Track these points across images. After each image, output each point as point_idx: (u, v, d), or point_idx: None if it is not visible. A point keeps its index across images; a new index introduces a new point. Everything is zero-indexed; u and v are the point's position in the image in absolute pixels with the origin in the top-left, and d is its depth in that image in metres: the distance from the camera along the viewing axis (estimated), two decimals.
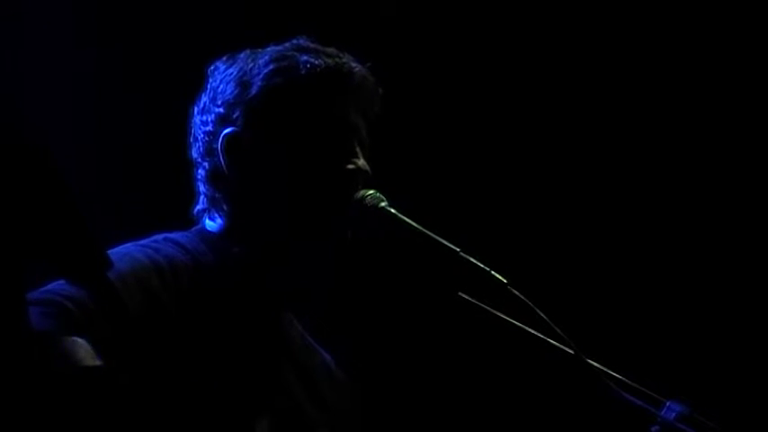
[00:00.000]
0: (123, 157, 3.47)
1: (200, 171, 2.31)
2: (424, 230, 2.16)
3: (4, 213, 1.47)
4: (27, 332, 1.53)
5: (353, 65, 2.30)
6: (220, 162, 2.26)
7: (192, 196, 2.34)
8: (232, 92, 2.27)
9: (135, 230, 2.27)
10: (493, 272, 2.08)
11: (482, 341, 3.20)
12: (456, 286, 2.11)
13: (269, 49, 2.32)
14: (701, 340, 3.83)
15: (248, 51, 2.33)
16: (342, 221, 2.23)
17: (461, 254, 2.11)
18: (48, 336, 1.80)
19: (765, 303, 3.84)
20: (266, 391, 2.21)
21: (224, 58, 2.34)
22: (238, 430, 2.12)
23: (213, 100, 2.29)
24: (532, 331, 2.09)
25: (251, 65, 2.29)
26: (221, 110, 2.27)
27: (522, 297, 2.05)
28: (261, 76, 2.26)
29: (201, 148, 2.30)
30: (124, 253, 2.14)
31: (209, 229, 2.30)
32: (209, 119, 2.29)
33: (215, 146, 2.27)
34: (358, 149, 2.27)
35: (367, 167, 2.26)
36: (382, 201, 2.21)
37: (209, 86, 2.32)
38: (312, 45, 2.32)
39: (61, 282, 1.96)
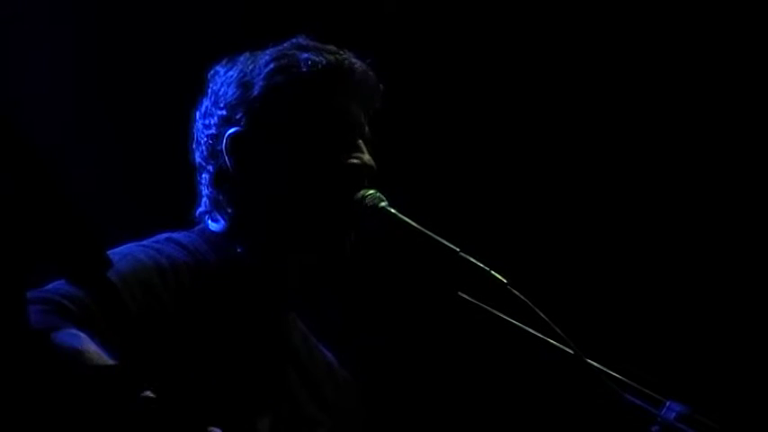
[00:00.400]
0: (124, 158, 3.47)
1: (203, 175, 2.31)
2: (424, 230, 2.16)
3: (4, 214, 1.47)
4: (26, 330, 1.53)
5: (354, 61, 2.31)
6: (225, 163, 2.26)
7: (193, 197, 2.34)
8: (234, 93, 2.27)
9: (137, 231, 2.27)
10: (493, 272, 2.08)
11: (482, 341, 3.20)
12: (456, 286, 2.12)
13: (268, 50, 2.33)
14: (701, 340, 3.83)
15: (247, 53, 2.33)
16: (344, 221, 2.23)
17: (461, 253, 2.11)
18: (46, 334, 1.80)
19: (765, 303, 3.84)
20: (268, 390, 2.22)
21: (223, 62, 2.34)
22: (240, 429, 2.12)
23: (215, 103, 2.30)
24: (532, 331, 2.09)
25: (251, 66, 2.29)
26: (224, 112, 2.28)
27: (522, 297, 2.05)
28: (262, 75, 2.27)
29: (205, 152, 2.30)
30: (126, 253, 2.15)
31: (211, 229, 2.30)
32: (212, 122, 2.29)
33: (219, 148, 2.27)
34: (362, 145, 2.27)
35: (372, 162, 2.26)
36: (382, 200, 2.21)
37: (210, 90, 2.32)
38: (312, 43, 2.32)
39: (61, 281, 1.97)
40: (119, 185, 3.42)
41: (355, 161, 2.24)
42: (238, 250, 2.26)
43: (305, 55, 2.28)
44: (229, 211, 2.28)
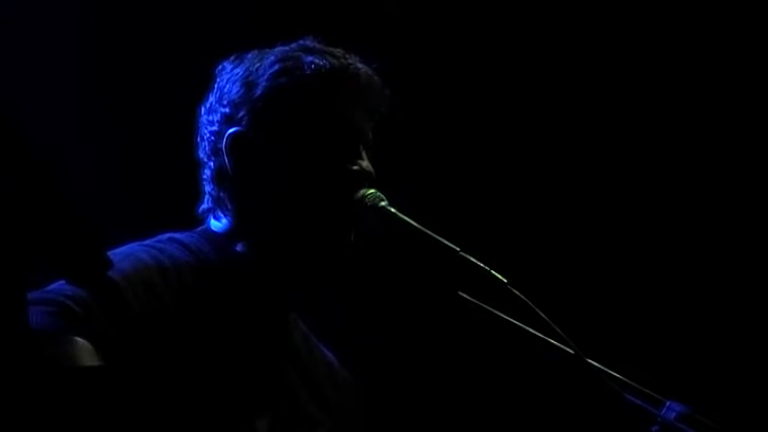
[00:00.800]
0: (124, 158, 3.47)
1: (205, 171, 2.31)
2: (424, 230, 2.16)
3: (4, 214, 1.47)
4: (26, 331, 1.53)
5: (360, 66, 2.30)
6: (225, 162, 2.27)
7: (197, 196, 2.34)
8: (237, 92, 2.28)
9: (137, 231, 2.27)
10: (493, 271, 2.08)
11: (482, 340, 3.20)
12: (456, 285, 2.12)
13: (276, 49, 2.32)
14: (701, 340, 3.83)
15: (256, 51, 2.33)
16: (344, 221, 2.23)
17: (461, 253, 2.11)
18: (47, 335, 1.80)
19: (765, 303, 3.84)
20: (268, 390, 2.22)
21: (231, 58, 2.34)
22: (240, 429, 2.12)
23: (219, 100, 2.30)
24: (532, 331, 2.09)
25: (257, 65, 2.29)
26: (227, 110, 2.28)
27: (522, 297, 2.05)
28: (266, 76, 2.27)
29: (207, 148, 2.30)
30: (128, 253, 2.15)
31: (213, 229, 2.30)
32: (215, 118, 2.29)
33: (220, 145, 2.27)
34: (362, 151, 2.27)
35: (371, 169, 2.26)
36: (382, 200, 2.21)
37: (216, 86, 2.33)
38: (318, 46, 2.32)
39: (62, 282, 1.97)
40: (119, 185, 3.42)
41: (354, 167, 2.24)
42: (239, 249, 2.26)
43: (310, 58, 2.27)
44: (231, 208, 2.28)
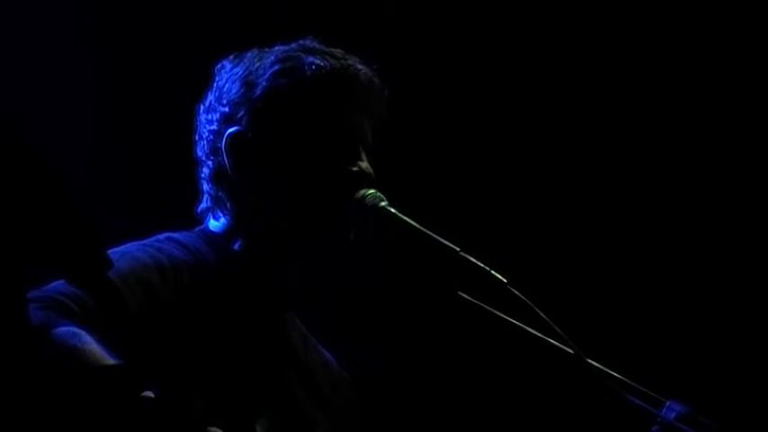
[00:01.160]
0: (123, 157, 3.47)
1: (204, 170, 2.31)
2: (424, 230, 2.15)
3: (4, 214, 1.47)
4: (26, 331, 1.53)
5: (360, 67, 2.30)
6: (224, 161, 2.27)
7: (195, 195, 2.34)
8: (237, 91, 2.27)
9: (137, 230, 2.27)
10: (493, 271, 2.08)
11: (482, 341, 3.20)
12: (456, 285, 2.11)
13: (275, 48, 2.32)
14: (701, 340, 3.83)
15: (255, 50, 2.33)
16: (343, 221, 2.23)
17: (461, 253, 2.11)
18: (45, 329, 1.80)
19: (765, 303, 3.84)
20: (266, 389, 2.22)
21: (231, 57, 2.34)
22: (238, 429, 2.12)
23: (219, 99, 2.30)
24: (532, 331, 2.09)
25: (257, 64, 2.29)
26: (226, 109, 2.28)
27: (522, 297, 2.05)
28: (266, 76, 2.27)
29: (206, 147, 2.30)
30: (126, 252, 2.15)
31: (212, 228, 2.30)
32: (215, 117, 2.29)
33: (219, 145, 2.27)
34: (362, 151, 2.27)
35: (370, 170, 2.26)
36: (382, 200, 2.21)
37: (215, 85, 2.32)
38: (318, 46, 2.32)
39: (61, 281, 1.96)
40: (117, 184, 3.42)
41: (353, 168, 2.24)
42: (237, 249, 2.26)
43: (310, 58, 2.27)
44: (229, 208, 2.28)
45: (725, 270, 3.88)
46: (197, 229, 2.31)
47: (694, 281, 3.87)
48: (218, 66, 2.34)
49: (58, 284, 1.97)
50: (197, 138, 2.33)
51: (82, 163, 3.33)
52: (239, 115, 2.26)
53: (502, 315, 2.11)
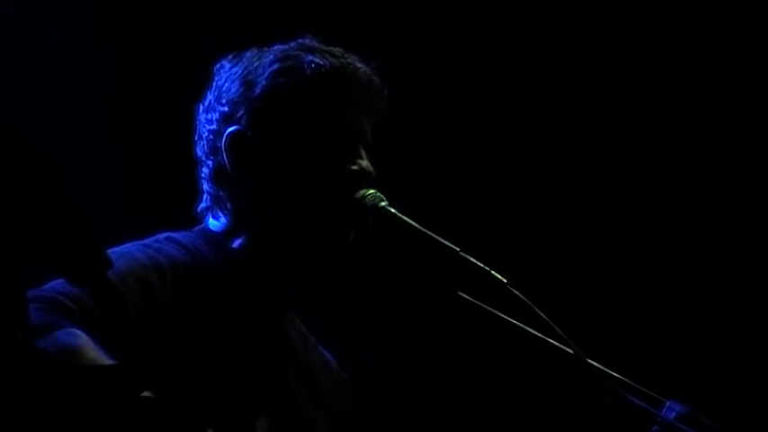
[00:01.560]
0: (123, 157, 3.47)
1: (203, 169, 2.31)
2: (424, 230, 2.15)
3: (4, 214, 1.47)
4: (27, 330, 1.53)
5: (359, 66, 2.30)
6: (224, 161, 2.26)
7: (195, 195, 2.34)
8: (236, 91, 2.27)
9: (137, 231, 2.27)
10: (493, 271, 2.08)
11: (482, 341, 3.20)
12: (456, 286, 2.11)
13: (274, 48, 2.32)
14: (701, 340, 3.83)
15: (254, 50, 2.33)
16: (343, 221, 2.23)
17: (461, 253, 2.11)
18: (50, 331, 1.80)
19: (765, 303, 3.84)
20: (266, 390, 2.22)
21: (230, 57, 2.34)
22: (238, 429, 2.12)
23: (218, 98, 2.30)
24: (532, 331, 2.09)
25: (256, 64, 2.28)
26: (226, 108, 2.28)
27: (522, 297, 2.05)
28: (265, 75, 2.26)
29: (206, 147, 2.30)
30: (124, 252, 2.15)
31: (211, 228, 2.30)
32: (214, 117, 2.29)
33: (219, 144, 2.27)
34: (362, 151, 2.27)
35: (371, 169, 2.26)
36: (382, 200, 2.21)
37: (214, 85, 2.32)
38: (318, 45, 2.32)
39: (60, 281, 1.96)
40: (116, 184, 3.42)
41: (354, 167, 2.24)
42: (237, 248, 2.26)
43: (309, 57, 2.27)
44: (229, 207, 2.28)
45: (725, 270, 3.88)
46: (197, 228, 2.31)
47: (694, 281, 3.87)
48: (218, 65, 2.34)
49: (57, 284, 1.96)
50: (197, 137, 2.33)
51: (82, 163, 3.33)
52: (239, 115, 2.26)
53: (502, 315, 2.11)
